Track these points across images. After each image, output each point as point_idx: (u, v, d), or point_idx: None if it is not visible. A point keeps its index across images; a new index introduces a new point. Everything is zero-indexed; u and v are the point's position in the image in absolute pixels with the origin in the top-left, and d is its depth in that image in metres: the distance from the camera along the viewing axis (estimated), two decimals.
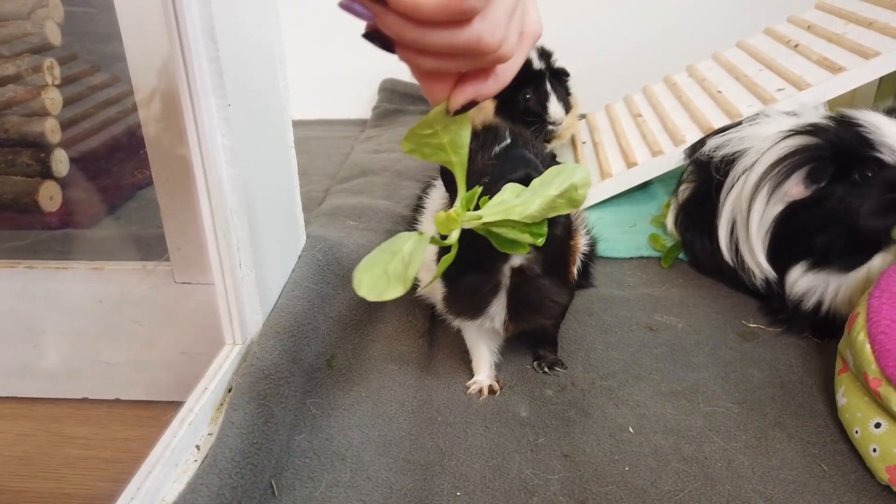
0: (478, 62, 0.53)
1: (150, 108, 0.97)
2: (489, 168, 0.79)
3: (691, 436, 0.88)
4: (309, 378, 0.91)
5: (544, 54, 1.52)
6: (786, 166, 1.02)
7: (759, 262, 1.07)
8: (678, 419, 0.91)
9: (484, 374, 0.99)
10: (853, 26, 1.56)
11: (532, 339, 1.04)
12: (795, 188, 1.02)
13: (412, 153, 0.62)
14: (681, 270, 1.31)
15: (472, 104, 0.58)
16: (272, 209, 0.96)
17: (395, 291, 0.60)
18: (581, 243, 0.98)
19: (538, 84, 1.46)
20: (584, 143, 1.81)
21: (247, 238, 0.86)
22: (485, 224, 0.66)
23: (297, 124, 1.03)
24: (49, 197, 1.56)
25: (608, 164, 1.59)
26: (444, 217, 0.64)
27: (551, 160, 0.83)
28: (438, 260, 0.83)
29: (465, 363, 1.02)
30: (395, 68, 2.26)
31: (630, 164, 1.52)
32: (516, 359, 1.04)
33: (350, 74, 2.33)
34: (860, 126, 0.98)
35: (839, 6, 1.68)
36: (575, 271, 0.98)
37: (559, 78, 1.53)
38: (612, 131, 1.76)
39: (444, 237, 0.65)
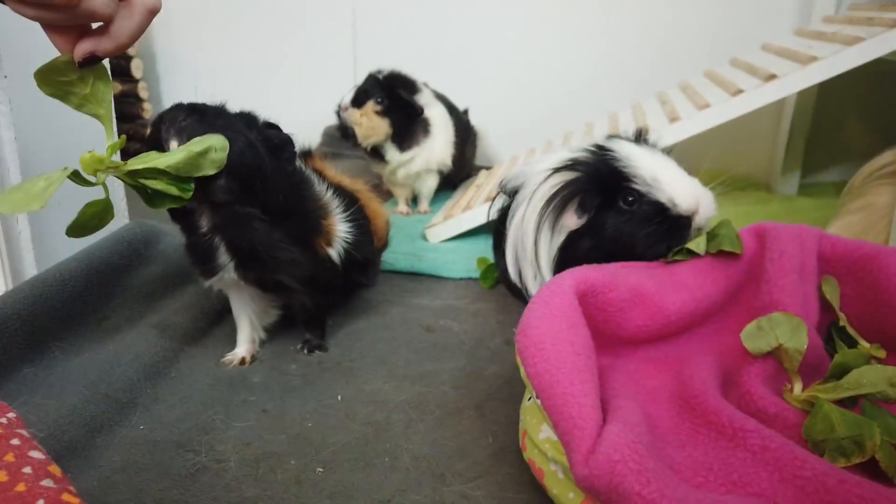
0: (70, 17, 0.65)
1: None
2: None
3: (390, 407, 0.94)
4: (63, 326, 1.02)
5: (388, 78, 1.70)
6: (558, 201, 1.08)
7: None
8: (389, 395, 0.97)
9: (243, 346, 1.08)
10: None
11: (303, 324, 1.12)
12: (570, 219, 1.08)
13: (56, 97, 0.73)
14: (497, 291, 1.37)
15: (94, 58, 0.70)
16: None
17: (33, 206, 0.71)
18: (338, 228, 1.07)
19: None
20: (478, 186, 1.92)
21: None
22: (130, 171, 0.77)
23: None
24: None
25: (475, 200, 1.69)
26: (89, 158, 0.75)
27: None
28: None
29: (234, 343, 1.10)
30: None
31: (487, 200, 1.61)
32: (287, 341, 1.12)
33: (299, 119, 2.52)
34: (614, 158, 1.05)
35: (721, 72, 1.78)
36: (332, 253, 1.06)
37: (388, 92, 1.68)
38: (500, 177, 1.87)
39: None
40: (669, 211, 0.99)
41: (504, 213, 1.31)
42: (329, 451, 0.84)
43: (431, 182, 1.84)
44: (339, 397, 0.96)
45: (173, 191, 0.80)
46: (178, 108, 0.86)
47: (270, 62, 2.46)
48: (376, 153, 1.75)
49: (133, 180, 0.79)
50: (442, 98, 1.91)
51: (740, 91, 1.41)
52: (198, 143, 0.79)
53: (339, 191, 1.14)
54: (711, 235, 0.99)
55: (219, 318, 1.17)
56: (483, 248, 1.56)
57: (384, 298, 1.32)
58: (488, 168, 2.15)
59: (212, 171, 0.81)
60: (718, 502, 0.58)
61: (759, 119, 1.90)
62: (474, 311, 1.26)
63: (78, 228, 0.79)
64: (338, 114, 1.74)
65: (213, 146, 0.80)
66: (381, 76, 1.68)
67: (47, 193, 0.71)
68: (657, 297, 0.92)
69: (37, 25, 0.70)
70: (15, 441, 0.54)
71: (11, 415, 0.58)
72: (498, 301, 1.32)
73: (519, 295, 1.26)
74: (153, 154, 0.79)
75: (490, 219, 1.38)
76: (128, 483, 0.78)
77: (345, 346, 1.12)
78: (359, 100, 1.67)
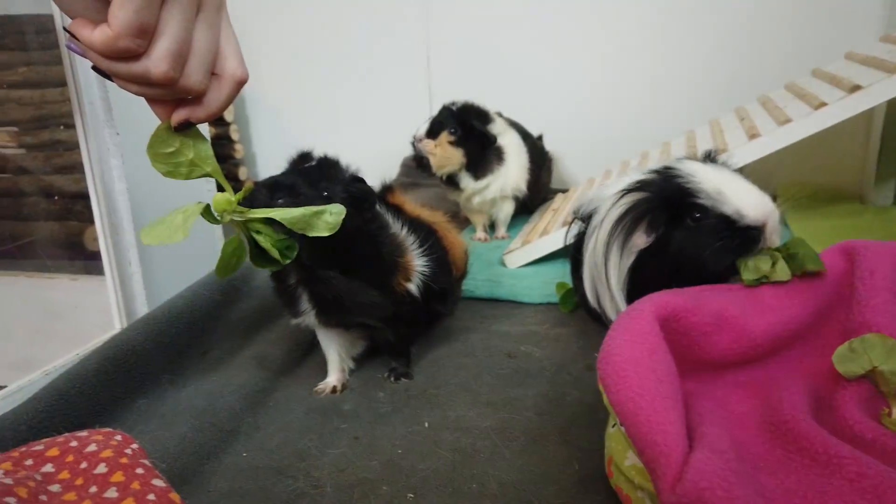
0: (169, 92, 0.72)
1: None
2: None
3: (475, 433, 0.96)
4: (172, 360, 1.10)
5: (464, 110, 1.74)
6: (627, 222, 1.09)
7: (620, 312, 1.13)
8: (474, 421, 0.99)
9: (333, 376, 1.13)
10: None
11: (388, 354, 1.17)
12: (639, 239, 1.09)
13: (170, 175, 0.80)
14: (577, 315, 1.38)
15: (188, 123, 0.77)
16: None
17: (177, 237, 0.77)
18: (415, 263, 1.11)
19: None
20: (555, 210, 1.93)
21: (133, 241, 1.09)
22: (248, 218, 0.83)
23: None
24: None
25: (552, 225, 1.71)
26: (221, 198, 0.81)
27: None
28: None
29: (326, 372, 1.16)
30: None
31: (564, 224, 1.63)
32: (374, 369, 1.17)
33: (377, 151, 2.61)
34: (680, 176, 1.06)
35: (802, 84, 1.74)
36: (412, 287, 1.10)
37: (463, 125, 1.72)
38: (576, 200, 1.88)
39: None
40: (737, 223, 0.99)
41: (580, 239, 1.32)
42: (419, 477, 0.87)
43: (508, 208, 1.87)
44: (426, 424, 1.00)
45: (275, 253, 0.85)
46: (260, 188, 0.90)
47: (349, 97, 2.57)
48: (451, 181, 1.79)
49: (247, 229, 0.85)
50: (515, 125, 1.94)
51: (823, 104, 1.37)
52: (316, 206, 0.84)
53: (417, 224, 1.18)
54: (790, 257, 0.97)
55: (310, 349, 1.24)
56: (561, 272, 1.57)
57: (465, 325, 1.35)
58: (564, 191, 2.16)
59: (325, 233, 0.84)
60: None
61: (847, 128, 1.84)
62: (555, 337, 1.27)
63: (223, 269, 0.86)
64: (413, 145, 1.80)
65: (330, 211, 0.84)
66: (454, 108, 1.73)
67: (187, 226, 0.77)
68: (742, 320, 0.91)
69: None
70: (139, 470, 0.60)
71: (135, 445, 0.64)
72: (578, 326, 1.32)
73: (599, 320, 1.27)
74: (268, 209, 0.84)
75: (567, 244, 1.40)
76: None
77: (429, 374, 1.15)
78: (433, 131, 1.72)
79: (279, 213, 0.83)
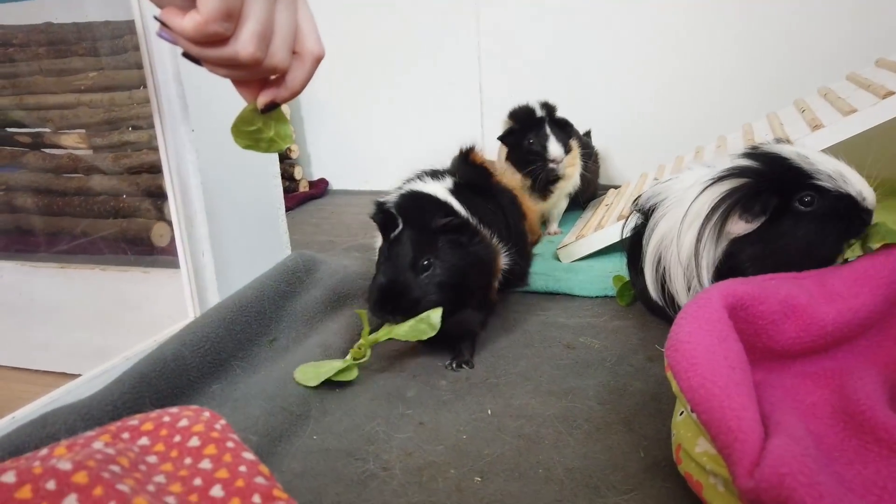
0: (255, 72, 0.76)
1: None
2: (382, 254, 1.10)
3: (538, 421, 0.97)
4: (242, 347, 1.14)
5: (546, 107, 1.72)
6: (726, 208, 1.06)
7: None
8: (537, 409, 1.00)
9: None
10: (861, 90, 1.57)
11: (459, 344, 1.19)
12: (737, 226, 1.06)
13: (249, 148, 0.85)
14: (635, 308, 1.37)
15: (273, 104, 0.81)
16: (243, 220, 1.23)
17: (314, 382, 1.05)
18: (502, 263, 1.16)
19: (539, 129, 1.69)
20: (608, 205, 1.93)
21: (206, 234, 1.13)
22: (377, 341, 1.06)
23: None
24: (160, 235, 1.98)
25: (606, 220, 1.71)
26: (354, 350, 1.07)
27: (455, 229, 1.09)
28: None
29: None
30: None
31: (619, 218, 1.62)
32: (434, 357, 1.19)
33: (429, 151, 2.64)
34: (791, 158, 1.04)
35: (865, 75, 1.70)
36: (496, 284, 1.17)
37: (561, 125, 1.71)
38: (631, 195, 1.87)
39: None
40: (860, 204, 0.97)
41: (639, 232, 1.32)
42: (485, 461, 0.89)
43: (563, 204, 1.88)
44: (489, 411, 1.01)
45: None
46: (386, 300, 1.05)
47: (401, 99, 2.60)
48: (549, 189, 1.80)
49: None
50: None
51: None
52: (420, 316, 1.04)
53: (501, 189, 1.24)
54: (865, 236, 0.96)
55: None
56: (617, 265, 1.57)
57: (522, 317, 1.36)
58: (616, 187, 2.15)
59: (431, 334, 1.01)
60: None
61: None
62: (613, 329, 1.27)
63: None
64: (551, 168, 1.73)
65: (430, 315, 1.01)
66: (545, 113, 1.72)
67: (326, 375, 1.07)
68: (810, 308, 0.90)
69: (218, 86, 0.81)
70: (230, 444, 0.62)
71: (223, 422, 0.67)
72: (637, 318, 1.32)
73: (657, 312, 1.26)
74: (385, 329, 1.07)
75: (624, 237, 1.40)
76: (308, 488, 0.86)
77: (489, 363, 1.17)
78: (566, 146, 1.71)
79: (393, 332, 1.05)
